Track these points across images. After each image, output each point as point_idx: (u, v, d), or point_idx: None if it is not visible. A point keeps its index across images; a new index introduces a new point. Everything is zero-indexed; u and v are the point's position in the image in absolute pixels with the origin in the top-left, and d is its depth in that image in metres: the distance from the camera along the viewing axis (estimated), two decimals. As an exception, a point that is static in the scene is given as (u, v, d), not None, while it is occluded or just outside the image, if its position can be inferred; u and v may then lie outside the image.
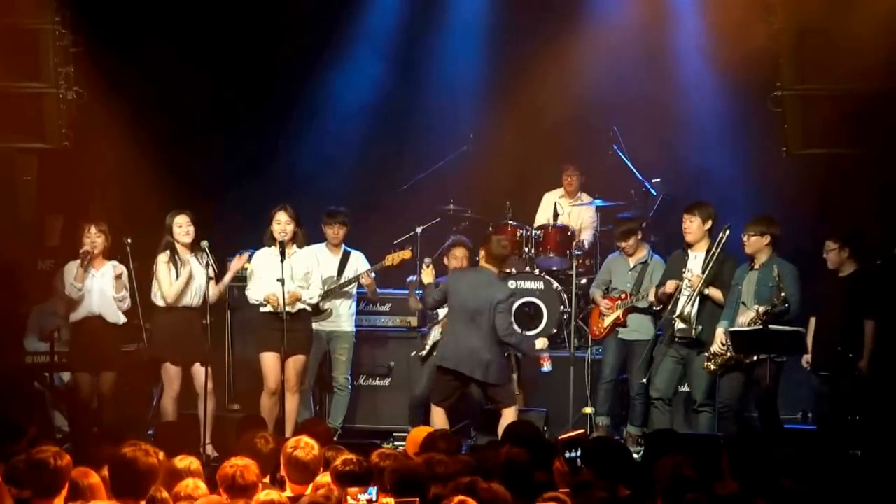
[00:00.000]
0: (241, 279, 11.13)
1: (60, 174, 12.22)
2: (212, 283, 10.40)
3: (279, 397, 10.53)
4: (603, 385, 11.27)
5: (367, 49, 13.42)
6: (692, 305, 10.35)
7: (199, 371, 10.49)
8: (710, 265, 10.32)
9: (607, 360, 11.30)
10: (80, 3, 11.71)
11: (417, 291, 11.32)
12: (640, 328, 11.13)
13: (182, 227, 10.53)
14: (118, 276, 10.66)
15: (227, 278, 10.75)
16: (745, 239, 10.21)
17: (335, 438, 10.51)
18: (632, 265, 11.27)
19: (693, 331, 10.36)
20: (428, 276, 10.78)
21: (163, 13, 12.44)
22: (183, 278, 10.49)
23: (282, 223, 10.55)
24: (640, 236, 11.27)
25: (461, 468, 6.56)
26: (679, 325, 10.42)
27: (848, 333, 10.26)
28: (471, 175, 13.19)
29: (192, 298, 10.55)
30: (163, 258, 10.56)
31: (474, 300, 10.28)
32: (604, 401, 11.28)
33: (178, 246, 10.56)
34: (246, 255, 10.74)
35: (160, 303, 10.61)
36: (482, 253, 10.52)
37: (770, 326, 9.79)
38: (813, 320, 10.51)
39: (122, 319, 10.84)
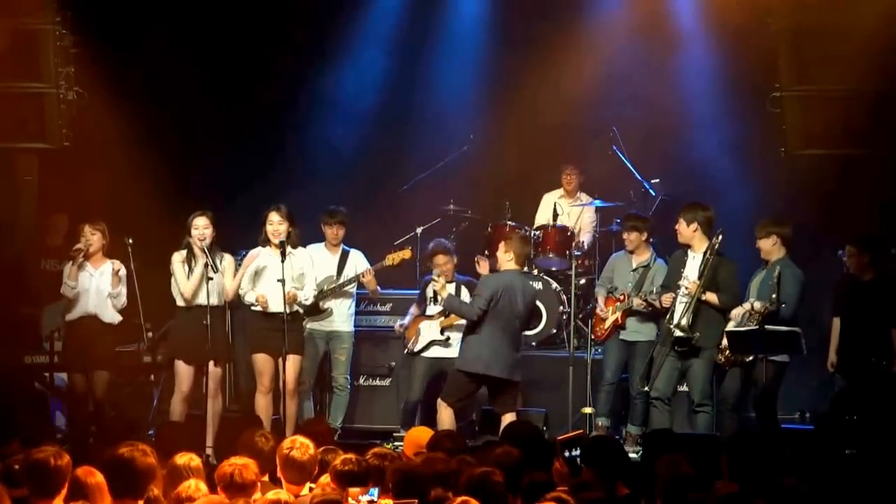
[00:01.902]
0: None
1: (61, 174, 12.23)
2: (212, 282, 10.34)
3: (274, 396, 10.55)
4: (604, 388, 11.24)
5: (368, 50, 13.42)
6: (689, 313, 10.33)
7: (213, 371, 10.46)
8: (706, 272, 10.32)
9: (608, 362, 11.26)
10: (80, 4, 11.74)
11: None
12: (641, 329, 11.11)
13: (198, 230, 10.45)
14: (116, 272, 10.67)
15: (237, 278, 10.63)
16: (756, 245, 10.25)
17: (335, 438, 10.54)
18: (634, 266, 11.25)
19: (692, 339, 10.34)
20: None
21: (163, 13, 12.45)
22: (196, 276, 10.45)
23: (274, 223, 10.55)
24: (644, 237, 11.22)
25: (461, 468, 6.56)
26: (676, 332, 10.40)
27: (875, 339, 10.18)
28: (471, 175, 13.21)
29: (209, 298, 10.45)
30: (177, 257, 10.54)
31: (521, 304, 10.35)
32: (605, 403, 11.24)
33: (194, 246, 10.51)
34: (256, 253, 10.66)
35: (180, 302, 10.58)
36: (511, 255, 10.38)
37: (766, 326, 9.81)
38: (836, 321, 10.48)
39: (118, 319, 10.83)
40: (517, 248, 10.41)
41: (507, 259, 10.42)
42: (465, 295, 11.00)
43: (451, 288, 11.02)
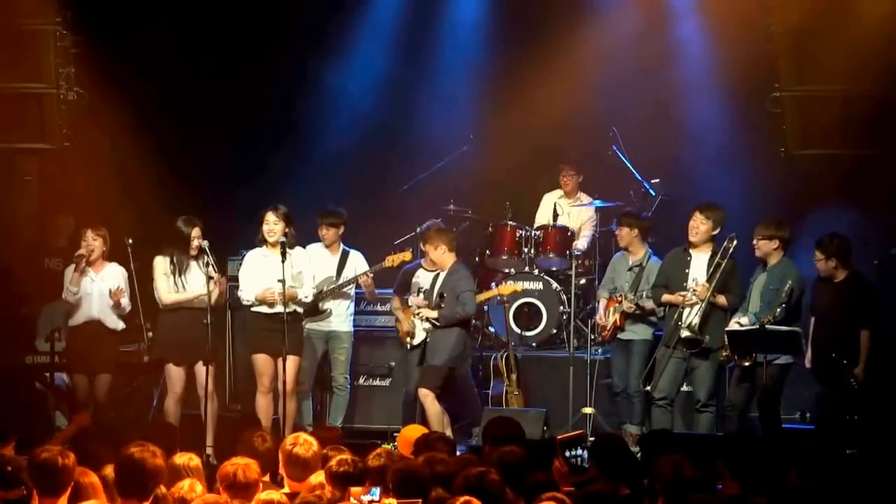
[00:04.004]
0: (235, 279, 11.13)
1: (61, 174, 12.24)
2: (212, 283, 10.36)
3: (274, 396, 10.56)
4: (619, 399, 11.16)
5: (368, 49, 13.42)
6: (698, 316, 10.32)
7: (201, 371, 10.47)
8: (718, 276, 10.29)
9: (616, 368, 11.21)
10: (80, 4, 11.74)
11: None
12: (635, 328, 11.09)
13: (195, 241, 10.45)
14: (118, 301, 10.68)
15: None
16: (754, 243, 10.23)
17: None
18: (630, 264, 11.24)
19: (702, 340, 10.32)
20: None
21: (164, 14, 12.45)
22: (189, 293, 10.48)
23: (269, 223, 10.57)
24: (635, 233, 11.19)
25: (462, 468, 6.55)
26: (685, 332, 10.39)
27: (842, 339, 10.19)
28: (471, 175, 13.20)
29: (210, 298, 10.37)
30: (161, 265, 10.54)
31: None
32: (628, 412, 11.10)
33: (180, 254, 10.49)
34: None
35: (160, 303, 10.64)
36: (444, 247, 10.70)
37: (766, 326, 9.82)
38: (814, 320, 10.51)
39: (121, 325, 10.87)
40: (444, 239, 10.73)
41: (441, 253, 10.64)
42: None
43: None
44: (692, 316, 10.29)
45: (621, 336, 11.13)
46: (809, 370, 10.51)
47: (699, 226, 10.44)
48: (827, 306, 10.31)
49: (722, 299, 10.31)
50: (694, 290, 10.34)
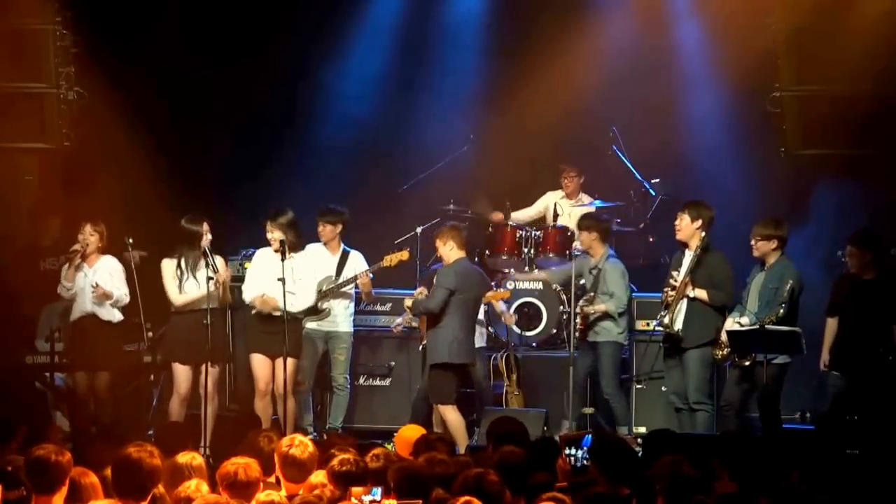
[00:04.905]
0: (239, 279, 11.14)
1: (61, 174, 12.24)
2: (212, 283, 10.36)
3: (272, 397, 10.57)
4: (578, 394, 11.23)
5: (368, 49, 13.43)
6: (673, 310, 10.33)
7: (210, 371, 10.47)
8: (687, 268, 10.33)
9: (576, 367, 11.25)
10: (80, 4, 11.75)
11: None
12: (599, 329, 11.14)
13: (207, 235, 10.46)
14: (97, 289, 10.66)
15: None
16: (752, 243, 10.23)
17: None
18: (591, 266, 11.28)
19: (673, 335, 10.36)
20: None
21: (164, 13, 12.45)
22: (192, 288, 10.47)
23: (268, 233, 10.63)
24: (594, 236, 11.20)
25: (462, 468, 6.55)
26: (659, 328, 10.45)
27: (882, 335, 10.16)
28: (471, 175, 13.20)
29: (209, 299, 10.44)
30: (169, 268, 10.54)
31: (479, 289, 10.71)
32: (610, 413, 11.17)
33: (191, 252, 10.50)
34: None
35: (172, 307, 10.64)
36: (452, 244, 10.58)
37: (766, 326, 9.82)
38: (830, 321, 10.46)
39: (118, 317, 10.86)
40: (455, 236, 10.64)
41: (449, 250, 10.59)
42: None
43: None
44: (667, 313, 10.33)
45: (588, 338, 11.18)
46: (824, 370, 10.44)
47: (680, 223, 10.52)
48: (861, 303, 10.24)
49: (702, 293, 10.32)
50: (674, 286, 10.38)
